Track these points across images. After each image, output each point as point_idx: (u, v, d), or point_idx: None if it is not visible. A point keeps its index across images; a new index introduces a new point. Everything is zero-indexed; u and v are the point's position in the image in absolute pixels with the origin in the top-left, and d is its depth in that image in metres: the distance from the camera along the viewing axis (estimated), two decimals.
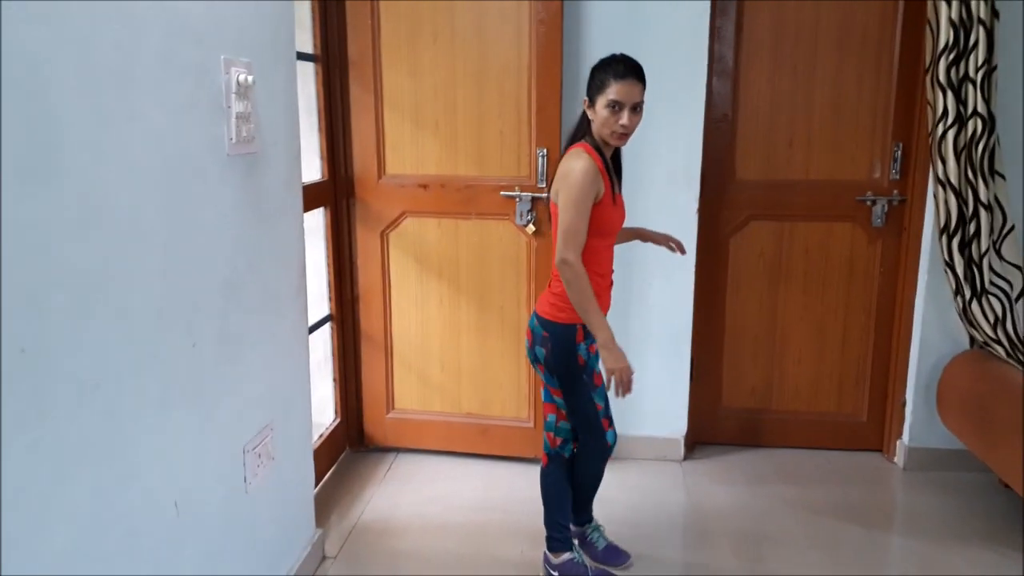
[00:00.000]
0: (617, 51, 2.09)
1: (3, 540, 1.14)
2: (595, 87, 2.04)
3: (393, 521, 2.69)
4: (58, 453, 1.25)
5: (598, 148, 2.07)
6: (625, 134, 2.05)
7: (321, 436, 2.94)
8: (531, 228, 2.86)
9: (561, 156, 2.13)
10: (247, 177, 1.87)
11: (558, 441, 2.27)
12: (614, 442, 2.28)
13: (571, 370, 2.14)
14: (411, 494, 2.88)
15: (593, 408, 2.21)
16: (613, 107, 2.00)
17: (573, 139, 2.13)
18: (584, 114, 2.10)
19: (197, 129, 1.65)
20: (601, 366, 2.07)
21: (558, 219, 2.04)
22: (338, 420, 3.11)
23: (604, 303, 2.16)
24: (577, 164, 2.01)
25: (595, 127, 2.07)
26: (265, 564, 2.07)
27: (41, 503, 1.22)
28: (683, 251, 2.39)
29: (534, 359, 2.19)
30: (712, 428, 3.27)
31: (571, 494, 2.33)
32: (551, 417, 2.27)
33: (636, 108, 2.03)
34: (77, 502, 1.30)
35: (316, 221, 2.92)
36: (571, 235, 2.00)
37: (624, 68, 2.01)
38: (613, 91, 2.00)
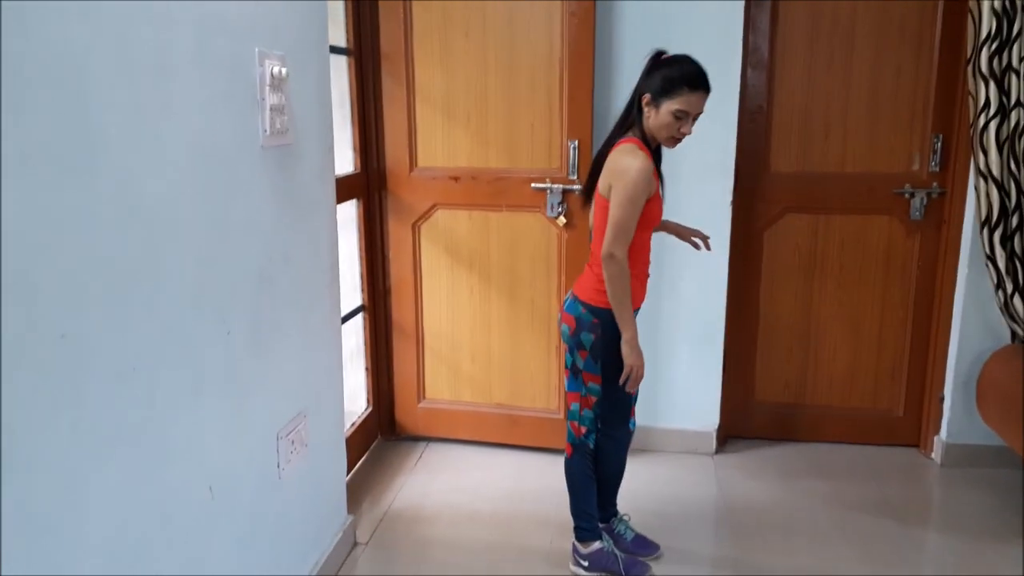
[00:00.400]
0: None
1: (39, 523, 1.18)
2: (663, 90, 2.01)
3: (424, 509, 2.72)
4: (96, 436, 1.29)
5: (647, 144, 2.08)
6: (679, 140, 2.07)
7: (353, 424, 2.98)
8: (562, 220, 2.86)
9: (606, 147, 2.13)
10: (281, 169, 1.90)
11: (583, 430, 2.28)
12: (634, 429, 2.33)
13: (618, 355, 2.14)
14: (442, 483, 2.91)
15: (627, 394, 2.22)
16: (679, 116, 2.01)
17: (622, 129, 2.12)
18: (636, 105, 2.08)
19: (232, 121, 1.68)
20: None
21: (610, 213, 2.03)
22: (370, 409, 3.15)
23: (641, 295, 2.20)
24: (635, 163, 2.00)
25: (650, 125, 2.06)
26: (297, 549, 2.11)
27: (79, 484, 1.26)
28: (709, 247, 2.37)
29: (577, 345, 2.18)
30: (745, 422, 3.25)
31: (596, 484, 2.33)
32: (575, 406, 2.28)
33: (697, 117, 2.04)
34: (114, 484, 1.34)
35: (349, 213, 2.95)
36: (623, 231, 2.01)
37: (698, 79, 2.00)
38: (684, 101, 2.00)
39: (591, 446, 2.30)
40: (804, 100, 2.98)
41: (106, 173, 1.29)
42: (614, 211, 2.02)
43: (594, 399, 2.24)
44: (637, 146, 2.06)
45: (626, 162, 2.02)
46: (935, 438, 3.09)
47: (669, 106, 2.01)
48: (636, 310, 2.17)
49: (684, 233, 2.40)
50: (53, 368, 1.18)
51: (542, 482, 2.86)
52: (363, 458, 3.06)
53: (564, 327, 2.22)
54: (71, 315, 1.22)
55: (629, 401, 2.26)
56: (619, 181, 2.01)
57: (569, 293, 2.24)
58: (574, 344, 2.20)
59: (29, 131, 1.11)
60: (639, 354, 2.11)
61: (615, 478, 2.39)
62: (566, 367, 2.29)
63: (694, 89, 2.00)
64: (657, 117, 2.03)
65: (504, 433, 3.13)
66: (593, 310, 2.14)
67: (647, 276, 2.22)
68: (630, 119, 2.10)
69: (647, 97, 2.05)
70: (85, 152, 1.23)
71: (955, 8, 2.81)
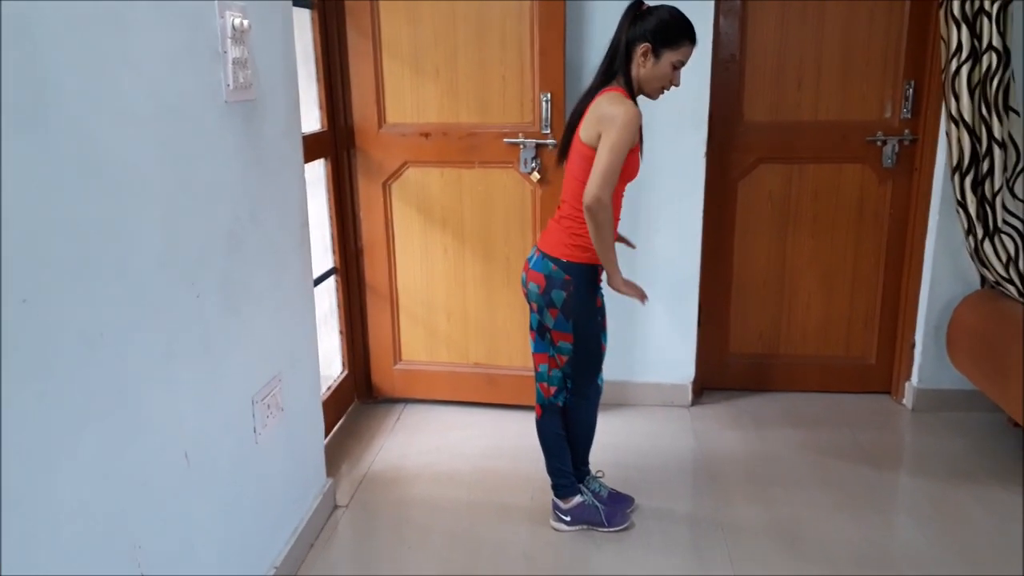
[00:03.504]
0: None
1: (12, 493, 1.14)
2: (666, 40, 2.00)
3: (403, 470, 2.71)
4: (65, 404, 1.24)
5: (633, 96, 2.04)
6: (665, 91, 2.09)
7: (329, 388, 2.95)
8: (536, 176, 2.82)
9: (587, 98, 2.07)
10: (246, 125, 1.83)
11: (552, 390, 2.27)
12: (603, 384, 2.32)
13: (590, 310, 2.13)
14: (420, 443, 2.89)
15: (599, 349, 2.22)
16: (677, 66, 2.03)
17: (606, 78, 2.07)
18: (621, 54, 2.03)
19: (193, 75, 1.60)
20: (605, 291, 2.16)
21: (598, 157, 1.97)
22: (345, 372, 3.11)
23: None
24: (624, 110, 1.96)
25: (643, 75, 2.03)
26: (277, 513, 2.09)
27: (50, 455, 1.21)
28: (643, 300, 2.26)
29: (548, 304, 2.15)
30: (720, 374, 3.27)
31: (568, 443, 2.33)
32: (543, 367, 2.27)
33: None
34: (86, 453, 1.30)
35: (317, 173, 2.88)
36: (609, 176, 1.96)
37: (693, 32, 2.03)
38: (685, 52, 2.02)
39: (560, 405, 2.29)
40: (777, 48, 2.95)
41: (63, 128, 1.22)
42: (603, 155, 1.96)
43: (564, 358, 2.22)
44: (625, 96, 2.02)
45: (617, 108, 1.97)
46: (907, 384, 3.14)
47: (670, 56, 2.01)
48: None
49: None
50: (16, 334, 1.13)
51: (521, 440, 2.86)
52: (340, 421, 3.03)
53: (532, 286, 2.17)
54: (32, 279, 1.16)
55: (601, 354, 2.25)
56: (611, 125, 1.96)
57: (534, 250, 2.19)
58: (544, 303, 2.15)
59: None
60: (632, 283, 2.11)
61: (587, 435, 2.37)
62: (531, 328, 2.26)
63: (693, 41, 2.03)
64: (655, 67, 2.02)
65: (482, 392, 3.11)
66: (565, 266, 2.11)
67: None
68: (615, 69, 2.05)
69: (645, 47, 2.00)
70: (38, 104, 1.16)
71: None
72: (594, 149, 2.00)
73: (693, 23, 2.02)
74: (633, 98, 2.05)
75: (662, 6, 2.03)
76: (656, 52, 2.01)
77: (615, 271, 2.09)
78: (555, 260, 2.11)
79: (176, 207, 1.55)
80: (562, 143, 2.17)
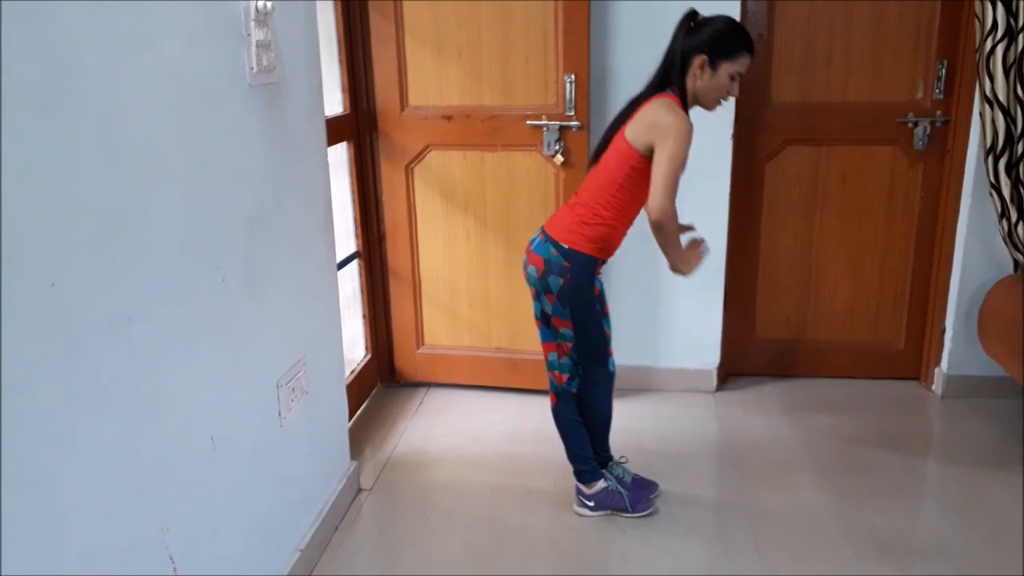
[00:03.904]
0: None
1: (40, 475, 1.15)
2: (724, 51, 1.98)
3: (426, 454, 2.71)
4: (91, 386, 1.25)
5: (686, 107, 2.03)
6: (722, 103, 2.09)
7: (353, 372, 2.95)
8: (559, 159, 2.79)
9: (635, 104, 2.06)
10: (269, 108, 1.83)
11: (564, 378, 2.26)
12: (615, 370, 2.29)
13: (587, 299, 2.12)
14: (443, 427, 2.90)
15: (602, 335, 2.21)
16: (735, 78, 2.02)
17: (660, 84, 2.05)
18: (677, 66, 2.01)
19: (217, 57, 1.60)
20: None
21: (658, 165, 1.94)
22: (369, 356, 3.12)
23: (617, 244, 2.15)
24: (679, 120, 1.95)
25: (700, 86, 2.02)
26: (302, 496, 2.10)
27: (77, 437, 1.22)
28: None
29: (544, 289, 2.12)
30: (745, 359, 3.24)
31: (585, 428, 2.32)
32: (552, 356, 2.26)
33: None
34: (112, 435, 1.30)
35: (339, 156, 2.87)
36: (672, 185, 1.95)
37: (752, 42, 2.02)
38: (743, 63, 2.01)
39: (574, 392, 2.28)
40: (806, 27, 2.89)
41: (86, 110, 1.21)
42: (663, 164, 1.94)
43: (569, 345, 2.20)
44: (678, 105, 2.00)
45: (672, 117, 1.95)
46: (936, 370, 3.09)
47: (728, 68, 1.99)
48: (605, 261, 2.14)
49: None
50: (44, 318, 1.13)
51: (543, 425, 2.84)
52: (363, 405, 3.04)
53: (531, 269, 2.14)
54: (59, 262, 1.16)
55: (605, 340, 2.23)
56: (667, 134, 1.93)
57: (539, 231, 2.16)
58: (541, 288, 2.13)
59: (1, 68, 1.04)
60: (691, 258, 2.08)
61: (603, 422, 2.35)
62: (536, 317, 2.25)
63: (751, 51, 2.01)
64: (713, 79, 2.01)
65: (504, 377, 3.11)
66: (565, 252, 2.08)
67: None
68: (670, 76, 2.03)
69: (702, 59, 1.99)
70: (61, 87, 1.16)
71: None
72: (636, 150, 1.99)
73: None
74: (686, 109, 2.02)
75: (717, 17, 2.01)
76: (713, 64, 1.99)
77: (683, 264, 2.07)
78: (557, 245, 2.09)
79: (199, 191, 1.55)
80: (597, 148, 2.13)
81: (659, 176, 1.94)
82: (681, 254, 2.07)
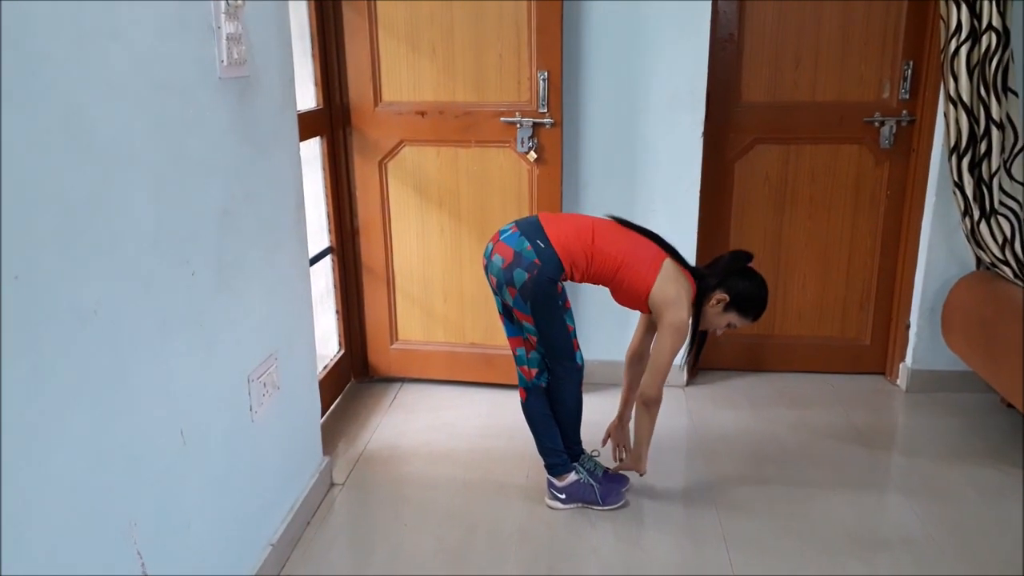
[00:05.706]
0: None
1: (3, 469, 1.14)
2: (743, 309, 2.18)
3: (399, 448, 2.72)
4: (58, 380, 1.24)
5: (697, 310, 2.19)
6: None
7: (326, 367, 2.95)
8: (532, 155, 2.80)
9: (679, 257, 2.19)
10: (240, 102, 1.82)
11: (532, 372, 2.28)
12: (583, 363, 2.32)
13: (550, 295, 2.13)
14: (417, 422, 2.90)
15: (565, 330, 2.23)
16: (730, 327, 2.23)
17: (697, 275, 2.19)
18: (710, 284, 2.17)
19: (186, 50, 1.59)
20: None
21: (658, 355, 2.17)
22: (342, 351, 3.11)
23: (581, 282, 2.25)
24: (686, 317, 2.14)
25: (707, 312, 2.20)
26: (274, 491, 2.10)
27: (42, 431, 1.21)
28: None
29: (507, 281, 2.11)
30: (714, 354, 3.28)
31: (555, 423, 2.34)
32: (520, 351, 2.28)
33: None
34: (78, 429, 1.30)
35: (313, 151, 2.86)
36: (665, 374, 2.18)
37: (761, 315, 2.23)
38: (744, 324, 2.22)
39: (544, 385, 2.30)
40: (775, 27, 2.93)
41: (52, 101, 1.20)
42: (663, 356, 2.15)
43: (535, 339, 2.22)
44: (691, 303, 2.16)
45: (686, 315, 2.13)
46: (901, 365, 3.15)
47: (732, 318, 2.19)
48: (564, 280, 2.19)
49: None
50: (9, 310, 1.12)
51: (517, 419, 2.83)
52: (337, 400, 3.04)
53: (496, 258, 2.13)
54: (24, 255, 1.15)
55: (568, 334, 2.25)
56: (676, 329, 2.12)
57: (510, 226, 2.17)
58: (504, 279, 2.12)
59: None
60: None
61: (574, 415, 2.37)
62: (499, 312, 2.26)
63: (756, 319, 2.22)
64: (718, 316, 2.20)
65: (478, 372, 3.12)
66: (543, 252, 2.09)
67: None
68: (700, 281, 2.18)
69: (724, 298, 2.16)
70: (27, 79, 1.15)
71: None
72: (647, 298, 2.15)
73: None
74: (696, 302, 2.18)
75: (760, 278, 2.19)
76: (727, 307, 2.18)
77: (646, 457, 2.32)
78: (544, 240, 2.10)
79: (169, 184, 1.54)
80: (635, 226, 2.24)
81: (663, 364, 2.16)
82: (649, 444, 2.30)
